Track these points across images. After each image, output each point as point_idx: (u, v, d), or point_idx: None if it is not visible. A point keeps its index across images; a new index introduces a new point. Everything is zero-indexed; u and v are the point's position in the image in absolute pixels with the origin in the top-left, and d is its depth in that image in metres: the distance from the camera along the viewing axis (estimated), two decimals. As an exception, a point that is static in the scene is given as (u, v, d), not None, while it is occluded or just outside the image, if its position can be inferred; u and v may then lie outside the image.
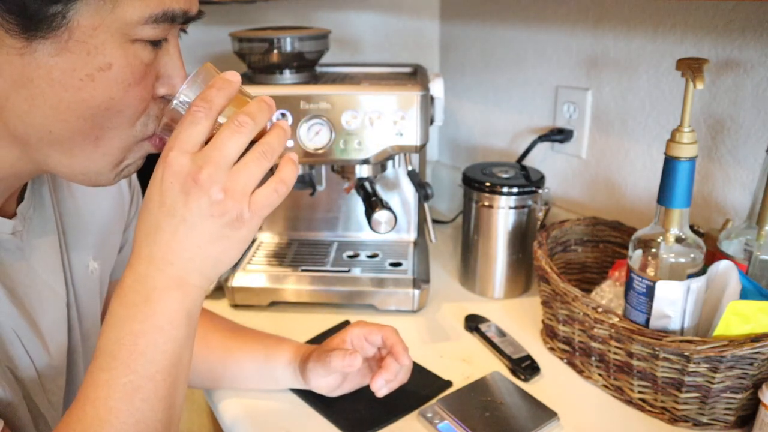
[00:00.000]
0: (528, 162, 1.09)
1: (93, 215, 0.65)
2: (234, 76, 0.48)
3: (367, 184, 0.91)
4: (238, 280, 0.95)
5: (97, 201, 0.65)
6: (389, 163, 0.94)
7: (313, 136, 0.85)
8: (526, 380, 0.77)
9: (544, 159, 1.11)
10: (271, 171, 0.49)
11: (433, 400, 0.73)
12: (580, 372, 0.78)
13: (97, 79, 0.44)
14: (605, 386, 0.75)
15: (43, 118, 0.45)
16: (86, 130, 0.46)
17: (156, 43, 0.47)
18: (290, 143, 0.85)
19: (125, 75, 0.45)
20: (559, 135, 1.05)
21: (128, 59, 0.45)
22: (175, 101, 0.48)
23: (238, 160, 0.46)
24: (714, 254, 0.73)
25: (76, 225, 0.63)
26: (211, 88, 0.46)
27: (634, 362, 0.69)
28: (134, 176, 0.72)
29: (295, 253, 1.03)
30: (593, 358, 0.75)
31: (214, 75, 0.50)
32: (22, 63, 0.43)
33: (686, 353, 0.63)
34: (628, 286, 0.71)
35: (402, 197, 1.06)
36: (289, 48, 0.89)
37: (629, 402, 0.73)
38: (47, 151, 0.47)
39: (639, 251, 0.71)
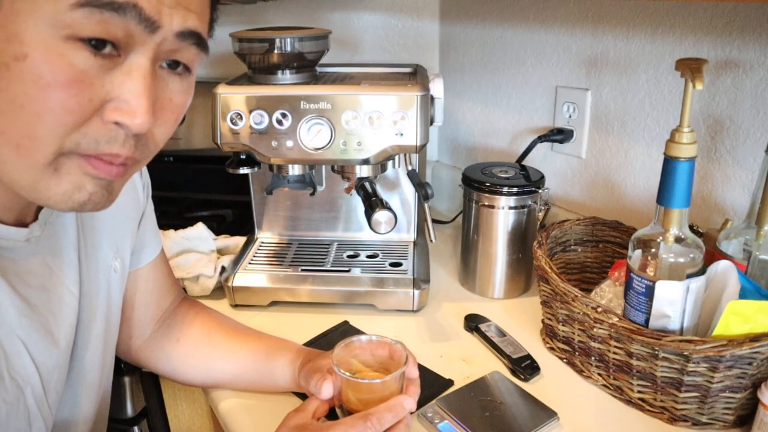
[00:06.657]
0: (528, 162, 1.09)
1: (113, 216, 0.65)
2: (410, 405, 0.56)
3: (367, 184, 0.91)
4: (238, 280, 0.95)
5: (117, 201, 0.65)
6: (389, 163, 0.94)
7: (313, 136, 0.85)
8: (526, 380, 0.77)
9: (544, 159, 1.11)
10: None
11: (433, 400, 0.73)
12: (579, 372, 0.78)
13: (12, 68, 0.40)
14: (605, 386, 0.75)
15: None
16: (5, 129, 0.42)
17: (99, 47, 0.41)
18: (290, 143, 0.85)
19: (42, 71, 0.40)
20: (559, 135, 1.05)
21: (50, 55, 0.40)
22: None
23: None
24: (713, 254, 0.73)
25: (98, 227, 0.63)
26: (389, 412, 0.54)
27: (634, 362, 0.70)
28: (145, 168, 0.72)
29: (295, 253, 1.04)
30: (593, 358, 0.75)
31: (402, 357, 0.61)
32: None
33: (685, 353, 0.63)
34: (628, 286, 0.71)
35: (402, 197, 1.06)
36: (289, 48, 0.89)
37: (629, 402, 0.73)
38: None
39: (638, 251, 0.71)
